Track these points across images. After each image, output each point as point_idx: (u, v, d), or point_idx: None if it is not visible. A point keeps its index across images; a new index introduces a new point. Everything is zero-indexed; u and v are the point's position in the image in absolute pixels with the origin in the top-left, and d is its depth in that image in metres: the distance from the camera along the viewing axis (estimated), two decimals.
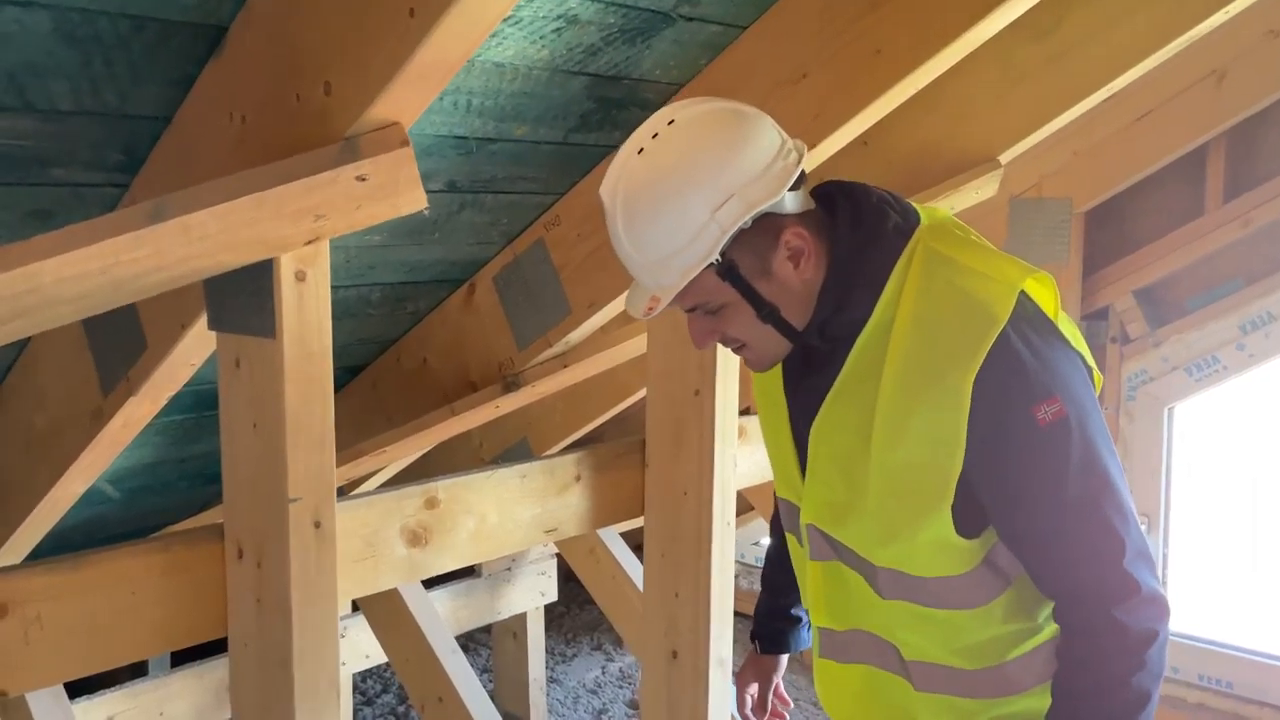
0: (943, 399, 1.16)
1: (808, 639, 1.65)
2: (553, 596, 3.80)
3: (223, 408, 1.54)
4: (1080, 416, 1.16)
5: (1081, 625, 1.18)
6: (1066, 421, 1.14)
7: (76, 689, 2.67)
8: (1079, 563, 1.17)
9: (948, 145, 2.37)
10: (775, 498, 1.49)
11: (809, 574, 1.38)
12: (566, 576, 3.72)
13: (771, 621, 1.69)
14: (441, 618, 3.07)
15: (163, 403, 1.84)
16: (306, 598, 1.51)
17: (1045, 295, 1.24)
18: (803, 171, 1.23)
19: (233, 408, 1.53)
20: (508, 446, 3.32)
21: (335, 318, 2.54)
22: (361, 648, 3.24)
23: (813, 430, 1.29)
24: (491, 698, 3.85)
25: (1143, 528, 1.51)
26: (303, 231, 1.36)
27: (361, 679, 4.34)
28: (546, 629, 3.95)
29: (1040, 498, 1.16)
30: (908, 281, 1.21)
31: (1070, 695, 1.20)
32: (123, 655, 1.52)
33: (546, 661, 3.99)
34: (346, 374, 2.80)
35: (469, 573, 3.60)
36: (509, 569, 3.66)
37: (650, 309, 1.22)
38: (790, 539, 1.46)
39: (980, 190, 2.36)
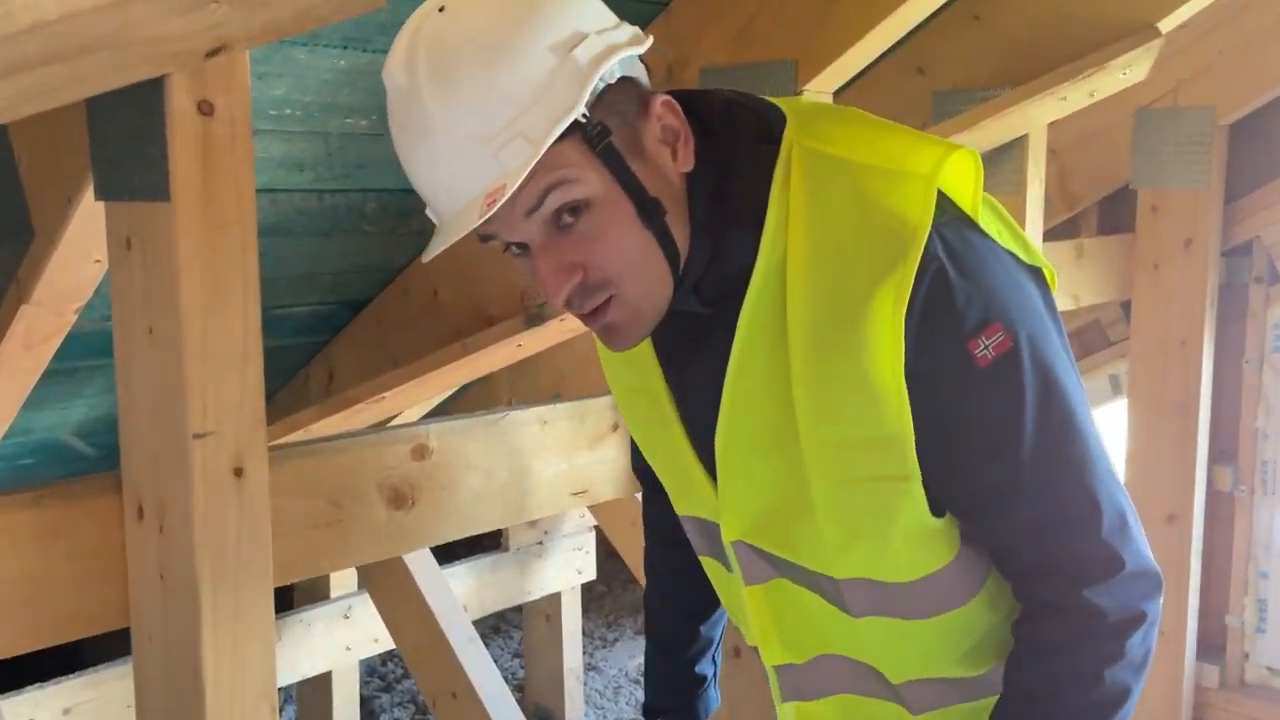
0: (870, 346, 0.89)
1: (716, 698, 1.38)
2: (591, 575, 3.38)
3: (115, 307, 1.11)
4: (1032, 343, 0.91)
5: (1045, 606, 0.97)
6: (1013, 354, 0.90)
7: (25, 677, 2.29)
8: (1044, 533, 0.94)
9: (1086, 12, 1.87)
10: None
11: (747, 603, 1.10)
12: (608, 553, 3.31)
13: (671, 687, 1.36)
14: (460, 598, 2.65)
15: (71, 317, 1.41)
16: (222, 572, 1.07)
17: (961, 182, 0.94)
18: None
19: (125, 307, 1.09)
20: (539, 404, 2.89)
21: (323, 233, 2.14)
22: (370, 630, 2.84)
23: (719, 426, 1.00)
24: (521, 689, 3.50)
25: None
26: (197, 28, 0.91)
27: (381, 661, 3.97)
28: (585, 611, 3.54)
29: (990, 456, 0.92)
30: (792, 202, 0.92)
31: (1026, 691, 0.97)
32: None
33: (585, 647, 3.58)
34: (347, 310, 2.39)
35: (494, 546, 3.19)
36: (540, 542, 3.23)
37: (492, 202, 0.83)
38: (710, 564, 1.16)
39: (1131, 69, 1.86)
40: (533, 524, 3.17)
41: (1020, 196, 2.09)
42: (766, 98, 0.99)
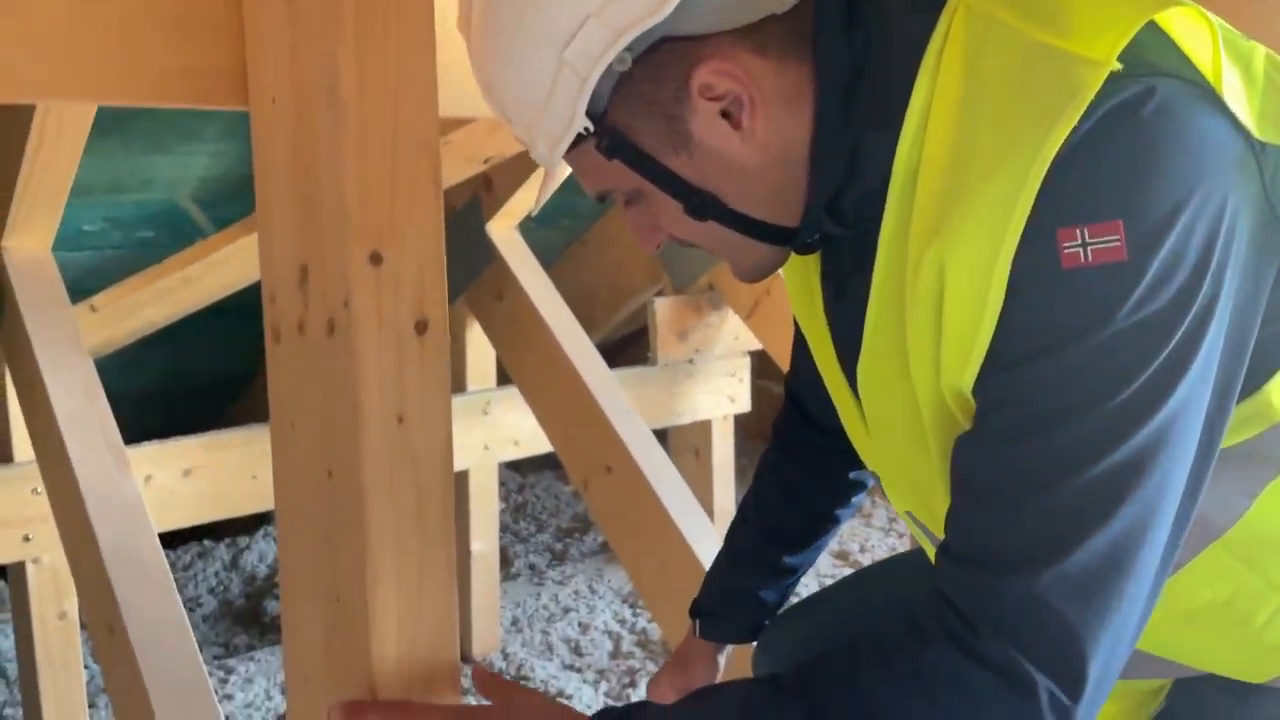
0: (981, 231, 0.66)
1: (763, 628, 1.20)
2: (745, 406, 3.05)
3: None
4: (1167, 274, 0.64)
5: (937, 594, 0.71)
6: (1119, 269, 0.64)
7: (145, 434, 2.09)
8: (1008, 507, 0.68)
9: None
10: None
11: None
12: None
13: (728, 602, 1.18)
14: None
15: None
16: None
17: (1197, 36, 0.69)
18: None
19: None
20: None
21: None
22: (510, 430, 2.57)
23: (860, 377, 0.83)
24: None
25: None
26: None
27: (519, 489, 3.76)
28: (740, 453, 3.20)
29: (1007, 386, 0.68)
30: (940, 86, 0.70)
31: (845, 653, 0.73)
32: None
33: (738, 488, 3.26)
34: None
35: (641, 359, 2.89)
36: (690, 360, 2.92)
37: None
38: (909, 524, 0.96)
39: None
40: (683, 338, 2.87)
41: None
42: None
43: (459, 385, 2.57)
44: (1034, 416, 0.66)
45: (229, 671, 2.53)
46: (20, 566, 1.99)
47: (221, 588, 3.11)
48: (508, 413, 2.57)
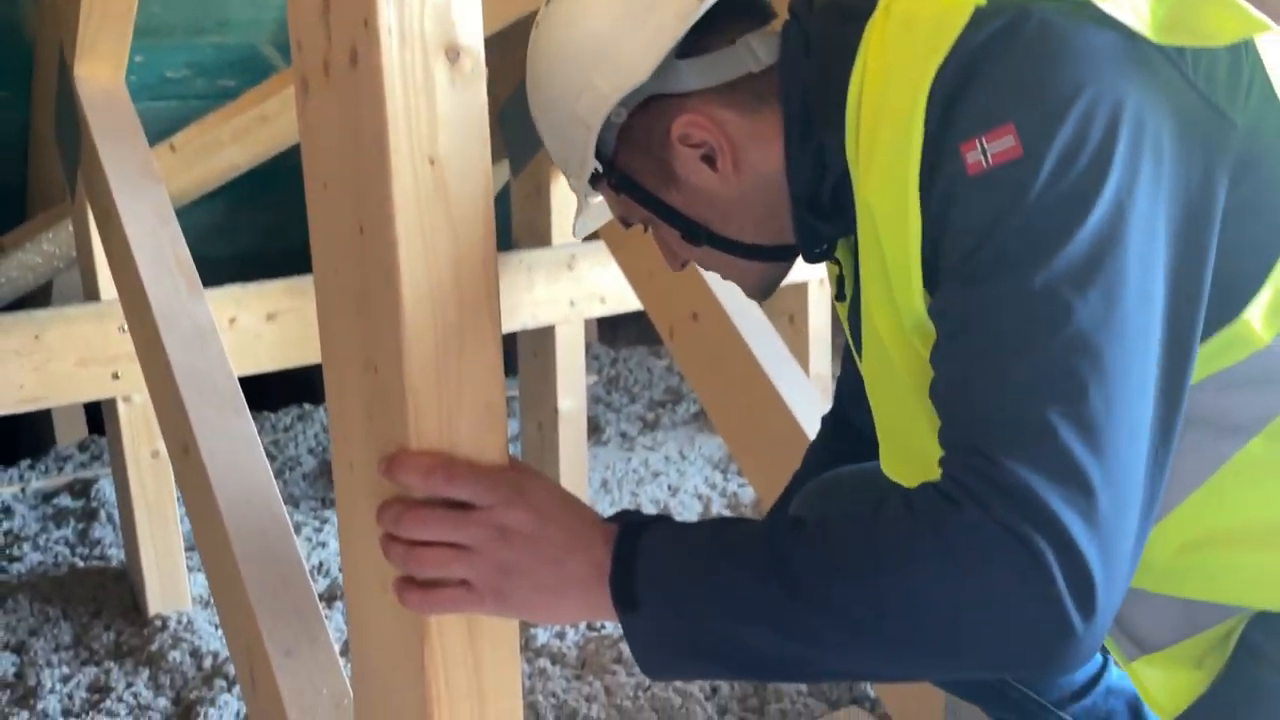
0: (888, 162, 0.76)
1: None
2: None
3: None
4: (1062, 158, 0.69)
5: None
6: (1017, 165, 0.69)
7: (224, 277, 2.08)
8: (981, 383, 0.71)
9: None
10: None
11: None
12: None
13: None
14: None
15: None
16: None
17: None
18: (763, 9, 0.92)
19: None
20: None
21: None
22: (596, 286, 2.50)
23: (863, 349, 0.90)
24: None
25: None
26: None
27: (612, 363, 3.72)
28: (838, 327, 3.08)
29: (949, 275, 0.73)
30: (866, 74, 0.79)
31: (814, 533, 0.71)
32: None
33: (833, 361, 3.15)
34: None
35: None
36: None
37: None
38: None
39: None
40: None
41: None
42: None
43: (543, 239, 2.50)
44: (981, 308, 0.69)
45: (324, 521, 2.57)
46: (112, 405, 2.02)
47: (321, 448, 3.17)
48: (593, 268, 2.50)
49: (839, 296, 1.00)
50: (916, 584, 0.64)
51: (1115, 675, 1.18)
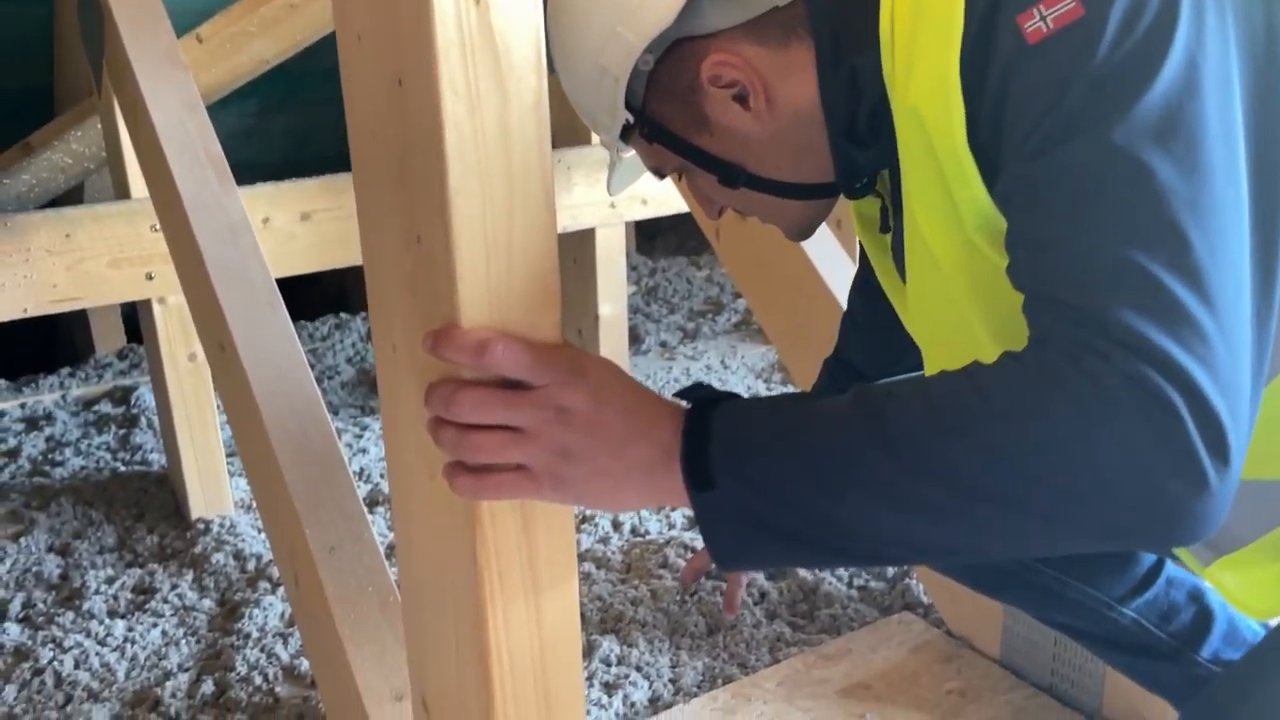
0: (937, 77, 0.73)
1: None
2: None
3: None
4: (1127, 12, 0.66)
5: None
6: (1081, 24, 0.67)
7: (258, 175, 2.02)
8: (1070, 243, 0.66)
9: None
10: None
11: None
12: None
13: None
14: None
15: None
16: None
17: None
18: None
19: None
20: None
21: None
22: (636, 187, 2.42)
23: (907, 269, 0.87)
24: None
25: None
26: None
27: (650, 272, 3.66)
28: None
29: (1017, 152, 0.69)
30: None
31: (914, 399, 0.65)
32: None
33: None
34: None
35: None
36: None
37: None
38: None
39: None
40: None
41: None
42: None
43: (583, 138, 2.42)
44: (1061, 172, 0.66)
45: (363, 429, 2.55)
46: (148, 308, 1.98)
47: (358, 358, 3.14)
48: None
49: (883, 229, 0.98)
50: (1039, 439, 0.58)
51: (1174, 567, 1.15)
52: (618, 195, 1.09)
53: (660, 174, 0.98)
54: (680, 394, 0.74)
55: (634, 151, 0.98)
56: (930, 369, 0.96)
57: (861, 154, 0.88)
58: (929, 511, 0.61)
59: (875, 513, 0.62)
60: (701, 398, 0.71)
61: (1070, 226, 0.65)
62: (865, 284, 1.26)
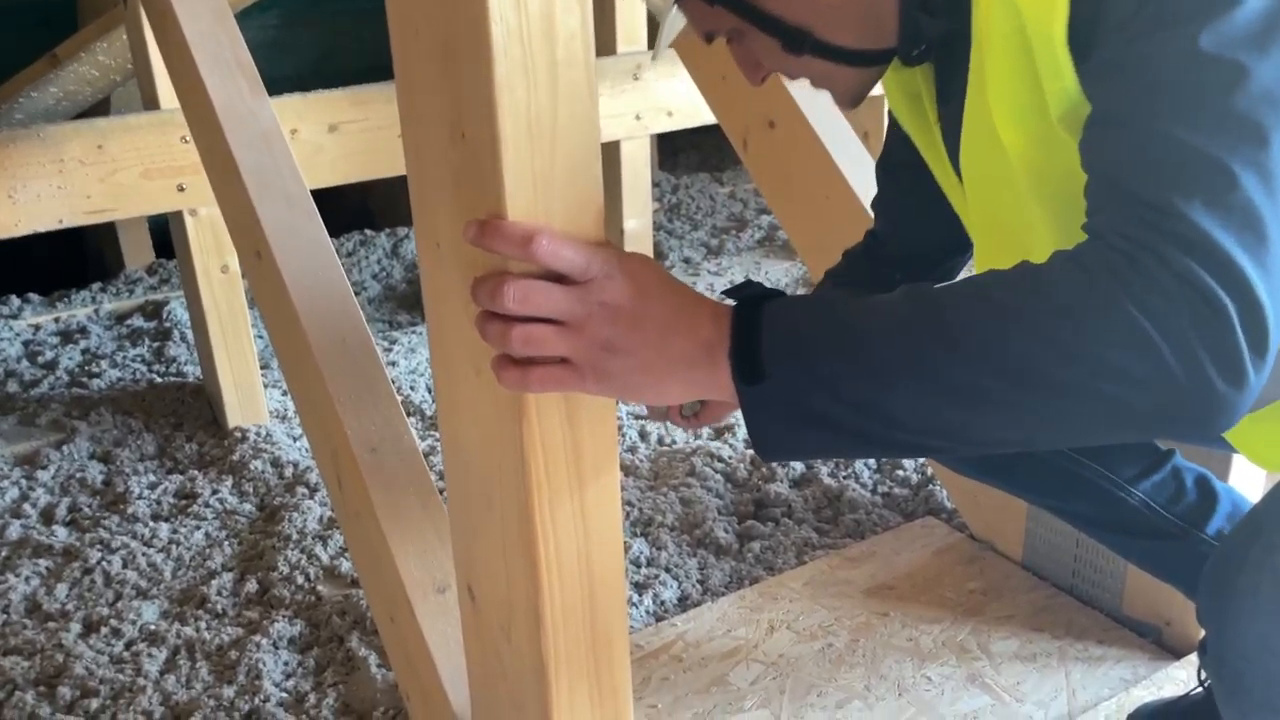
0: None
1: None
2: None
3: None
4: None
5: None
6: None
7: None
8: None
9: None
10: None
11: None
12: None
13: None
14: None
15: None
16: None
17: None
18: None
19: None
20: None
21: None
22: (663, 98, 2.40)
23: (962, 158, 0.89)
24: None
25: None
26: None
27: (675, 184, 3.65)
28: None
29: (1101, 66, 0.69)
30: None
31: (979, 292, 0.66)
32: None
33: None
34: None
35: None
36: None
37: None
38: None
39: None
40: None
41: None
42: None
43: (607, 47, 2.39)
44: (1147, 63, 0.65)
45: (392, 342, 2.58)
46: (180, 219, 2.00)
47: (384, 274, 3.16)
48: (660, 79, 2.39)
49: (945, 101, 0.94)
50: (1096, 334, 0.60)
51: (1180, 454, 1.20)
52: (657, 59, 1.04)
53: (710, 38, 0.94)
54: (729, 291, 0.75)
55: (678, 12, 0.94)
56: (980, 256, 0.96)
57: (929, 21, 0.86)
58: (985, 402, 0.62)
59: (929, 402, 0.63)
60: (750, 294, 0.72)
61: (1152, 112, 0.64)
62: (887, 161, 1.24)
